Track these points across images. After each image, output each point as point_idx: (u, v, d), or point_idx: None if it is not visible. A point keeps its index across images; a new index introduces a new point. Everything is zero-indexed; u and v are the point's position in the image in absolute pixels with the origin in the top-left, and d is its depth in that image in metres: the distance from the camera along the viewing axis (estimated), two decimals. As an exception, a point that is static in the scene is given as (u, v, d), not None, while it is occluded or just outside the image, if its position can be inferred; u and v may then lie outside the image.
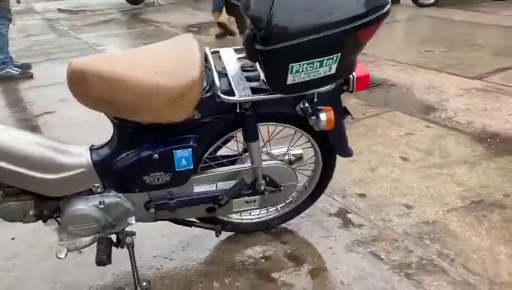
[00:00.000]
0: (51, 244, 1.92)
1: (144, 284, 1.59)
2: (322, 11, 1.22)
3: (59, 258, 1.52)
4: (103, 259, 1.50)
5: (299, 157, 1.86)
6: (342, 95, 1.63)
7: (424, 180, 2.33)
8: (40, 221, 1.59)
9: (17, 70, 4.19)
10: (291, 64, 1.28)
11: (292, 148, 1.81)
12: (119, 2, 8.73)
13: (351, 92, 1.57)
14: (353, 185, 2.29)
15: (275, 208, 1.93)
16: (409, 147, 2.70)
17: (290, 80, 1.32)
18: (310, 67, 1.30)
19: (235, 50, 1.65)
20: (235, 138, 1.73)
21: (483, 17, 6.06)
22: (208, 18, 7.03)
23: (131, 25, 6.90)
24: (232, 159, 1.75)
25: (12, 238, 1.96)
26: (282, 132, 1.76)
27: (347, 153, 1.75)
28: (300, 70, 1.30)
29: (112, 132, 1.54)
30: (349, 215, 2.06)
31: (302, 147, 1.85)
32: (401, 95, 3.54)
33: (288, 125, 1.66)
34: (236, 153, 1.78)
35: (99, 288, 1.69)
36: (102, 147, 1.55)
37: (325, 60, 1.30)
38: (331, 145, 1.73)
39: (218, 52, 1.63)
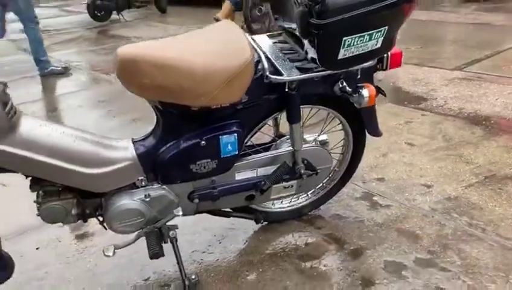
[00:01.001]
0: (78, 250, 1.86)
1: (193, 277, 1.55)
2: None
3: (107, 256, 1.46)
4: (157, 251, 1.46)
5: (324, 143, 1.88)
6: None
7: (435, 162, 2.41)
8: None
9: None
10: (344, 38, 1.31)
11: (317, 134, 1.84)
12: (83, 20, 8.57)
13: (385, 69, 1.62)
14: (370, 171, 2.34)
15: (306, 194, 1.94)
16: (411, 133, 2.78)
17: (341, 54, 1.35)
18: (361, 40, 1.34)
19: (268, 36, 1.66)
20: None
21: (447, 16, 6.35)
22: (177, 31, 7.02)
23: (102, 41, 6.78)
24: (266, 146, 1.76)
25: (37, 248, 1.87)
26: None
27: (377, 132, 1.79)
28: (352, 44, 1.33)
29: (154, 122, 1.52)
30: (374, 198, 2.10)
31: (326, 132, 1.87)
32: (390, 88, 3.65)
33: (323, 107, 1.69)
34: (271, 138, 1.79)
35: (145, 287, 1.63)
36: (145, 138, 1.51)
37: (374, 33, 1.35)
38: (363, 126, 1.76)
39: (253, 38, 1.64)
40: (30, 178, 1.42)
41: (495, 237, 1.78)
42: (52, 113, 3.64)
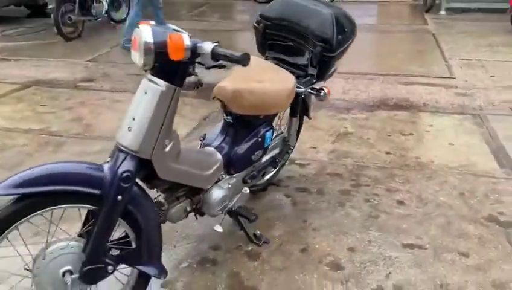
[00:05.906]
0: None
1: (258, 232, 2.30)
2: (349, 33, 2.33)
3: (219, 231, 2.07)
4: (254, 217, 2.16)
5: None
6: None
7: (305, 132, 3.62)
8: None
9: None
10: (335, 62, 2.32)
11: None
12: None
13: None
14: (276, 147, 3.36)
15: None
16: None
17: (330, 71, 2.36)
18: (337, 62, 2.38)
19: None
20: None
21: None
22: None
23: None
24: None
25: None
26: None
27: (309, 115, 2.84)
28: (335, 65, 2.36)
29: (224, 133, 2.15)
30: (297, 161, 3.17)
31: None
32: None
33: None
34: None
35: (223, 239, 2.30)
36: (220, 143, 2.13)
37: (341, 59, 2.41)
38: (304, 112, 2.78)
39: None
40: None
41: (368, 163, 3.15)
42: None
